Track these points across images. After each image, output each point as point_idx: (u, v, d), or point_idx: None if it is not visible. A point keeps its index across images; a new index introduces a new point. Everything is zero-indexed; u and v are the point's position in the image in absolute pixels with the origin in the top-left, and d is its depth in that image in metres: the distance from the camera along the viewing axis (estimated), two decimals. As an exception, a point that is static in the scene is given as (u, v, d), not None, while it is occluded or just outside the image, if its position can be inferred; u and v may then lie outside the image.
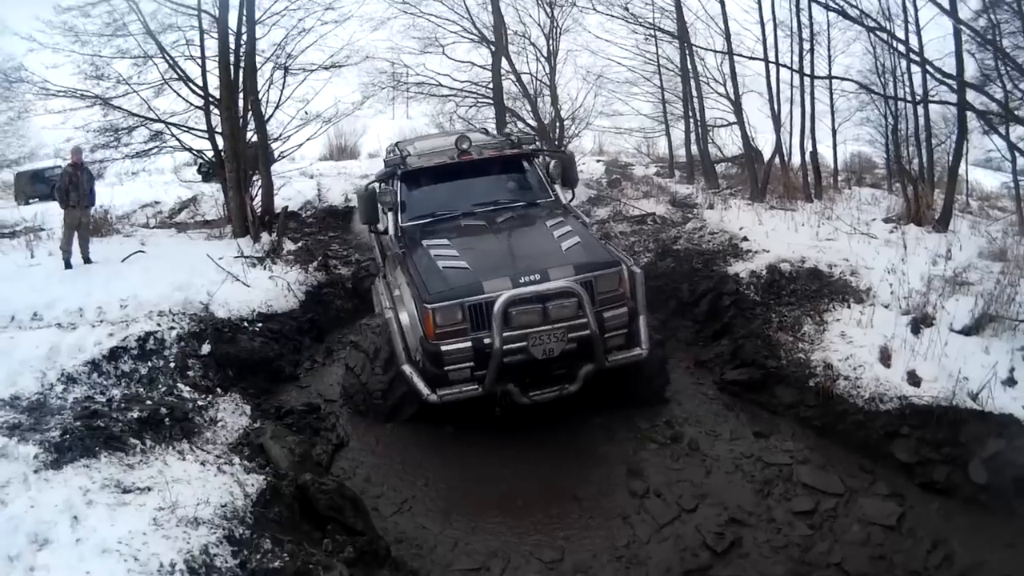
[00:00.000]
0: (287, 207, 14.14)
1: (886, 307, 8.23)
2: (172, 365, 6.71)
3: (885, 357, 7.24)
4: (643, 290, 6.74)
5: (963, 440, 6.09)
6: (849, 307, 8.29)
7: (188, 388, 6.45)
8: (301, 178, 17.85)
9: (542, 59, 20.44)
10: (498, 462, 6.23)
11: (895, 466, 6.17)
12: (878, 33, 11.95)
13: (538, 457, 6.28)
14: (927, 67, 11.36)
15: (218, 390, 6.68)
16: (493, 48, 18.65)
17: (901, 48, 12.03)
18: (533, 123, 19.22)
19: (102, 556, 3.48)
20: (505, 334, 5.88)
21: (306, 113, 14.70)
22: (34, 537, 3.68)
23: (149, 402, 5.83)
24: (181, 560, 3.54)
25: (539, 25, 20.21)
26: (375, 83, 19.11)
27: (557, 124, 19.87)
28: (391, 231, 7.42)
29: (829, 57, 19.35)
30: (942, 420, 6.26)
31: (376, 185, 7.76)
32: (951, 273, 9.11)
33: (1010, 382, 6.69)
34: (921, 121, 15.09)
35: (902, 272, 9.00)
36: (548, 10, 19.84)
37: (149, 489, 4.32)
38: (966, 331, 7.62)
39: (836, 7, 9.37)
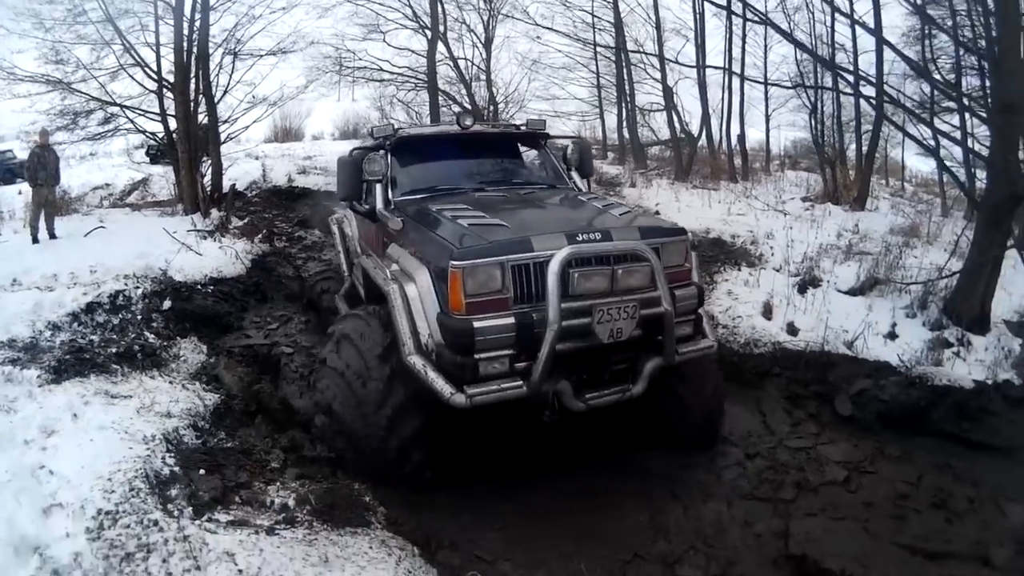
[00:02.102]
0: (234, 185, 15.12)
1: (777, 270, 8.96)
2: (139, 317, 7.84)
3: (767, 311, 8.04)
4: (699, 273, 5.69)
5: (831, 380, 6.91)
6: (740, 270, 8.94)
7: (153, 336, 7.59)
8: (247, 159, 18.70)
9: (479, 45, 21.64)
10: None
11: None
12: (799, 46, 13.46)
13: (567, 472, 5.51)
14: (838, 71, 12.97)
15: (178, 337, 7.84)
16: (430, 34, 19.65)
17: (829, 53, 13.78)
18: (468, 106, 20.41)
19: (100, 431, 4.78)
20: (564, 305, 4.38)
21: (253, 97, 15.61)
22: (44, 428, 4.85)
23: (123, 343, 7.05)
24: (159, 434, 4.89)
25: (477, 11, 21.36)
26: (319, 68, 19.95)
27: (491, 107, 20.99)
28: (379, 205, 5.91)
29: (765, 47, 21.18)
30: (812, 363, 7.06)
31: (362, 152, 6.18)
32: (846, 244, 9.87)
33: (891, 336, 7.54)
34: (842, 109, 17.24)
35: (800, 241, 9.60)
36: (485, -1, 20.81)
37: (131, 396, 5.63)
38: (852, 292, 8.43)
39: (761, 18, 10.42)
